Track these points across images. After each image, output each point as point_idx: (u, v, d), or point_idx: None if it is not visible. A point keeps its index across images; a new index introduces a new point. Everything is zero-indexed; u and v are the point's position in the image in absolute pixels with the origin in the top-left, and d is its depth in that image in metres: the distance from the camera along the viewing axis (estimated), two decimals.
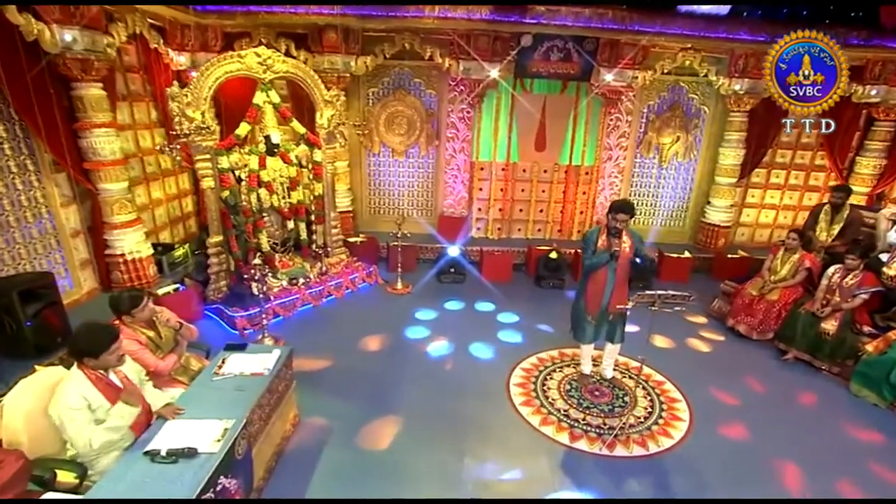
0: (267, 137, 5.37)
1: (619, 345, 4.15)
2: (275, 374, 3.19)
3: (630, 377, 4.41)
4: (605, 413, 3.89)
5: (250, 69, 5.05)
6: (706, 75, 6.70)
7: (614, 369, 4.45)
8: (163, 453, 2.38)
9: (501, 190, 7.58)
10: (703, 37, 6.32)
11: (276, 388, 3.24)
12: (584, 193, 7.56)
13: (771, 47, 4.98)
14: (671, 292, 3.25)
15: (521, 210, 7.69)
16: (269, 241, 5.71)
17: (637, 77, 6.61)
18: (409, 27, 6.25)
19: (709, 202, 7.47)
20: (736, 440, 3.72)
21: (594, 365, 4.44)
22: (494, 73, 6.49)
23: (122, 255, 4.99)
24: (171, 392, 2.95)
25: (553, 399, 4.06)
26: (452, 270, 6.53)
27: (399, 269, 6.31)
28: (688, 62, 6.60)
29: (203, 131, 4.77)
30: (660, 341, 5.18)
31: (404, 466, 3.30)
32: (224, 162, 5.04)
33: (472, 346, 4.91)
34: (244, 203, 5.29)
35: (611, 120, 7.16)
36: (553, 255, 6.47)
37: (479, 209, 7.69)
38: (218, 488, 2.39)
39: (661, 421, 3.86)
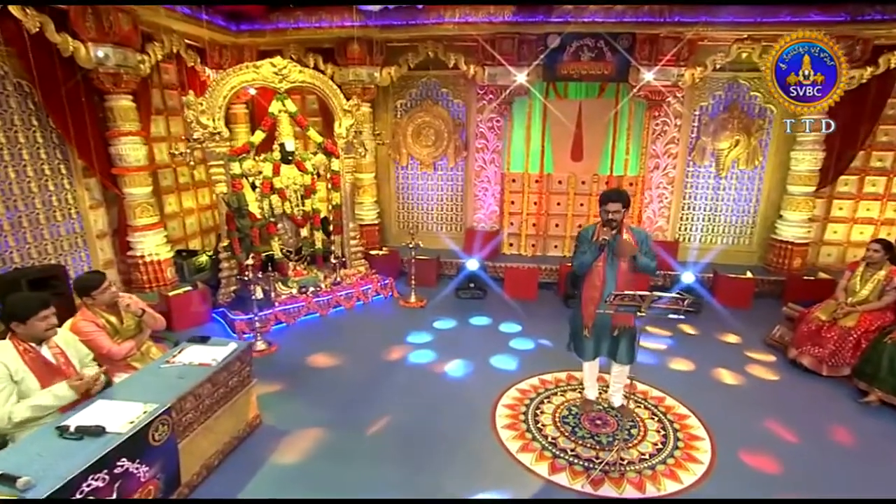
0: (281, 145, 5.62)
1: (628, 366, 3.62)
2: (222, 366, 3.17)
3: (646, 407, 3.83)
4: (601, 445, 3.38)
5: (265, 79, 5.36)
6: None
7: (627, 396, 3.89)
8: (72, 429, 2.40)
9: (535, 203, 7.25)
10: (760, 23, 5.69)
11: (225, 382, 3.21)
12: None
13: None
14: (657, 294, 2.76)
15: (557, 225, 7.28)
16: (282, 249, 5.89)
17: (683, 75, 6.09)
18: (431, 35, 6.34)
19: (780, 216, 6.54)
20: (769, 496, 3.01)
21: (602, 391, 3.92)
22: (521, 77, 6.32)
23: (142, 256, 5.40)
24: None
25: (543, 425, 3.62)
26: (472, 286, 6.28)
27: (413, 283, 6.19)
28: (745, 55, 5.97)
29: (216, 137, 5.09)
30: (692, 369, 4.50)
31: (349, 480, 3.08)
32: (236, 168, 5.33)
33: (471, 362, 4.60)
34: (258, 208, 5.53)
35: (656, 124, 6.63)
36: None
37: (512, 224, 7.41)
38: (117, 470, 2.35)
39: (670, 460, 3.26)
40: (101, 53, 4.68)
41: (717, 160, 6.69)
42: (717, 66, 6.11)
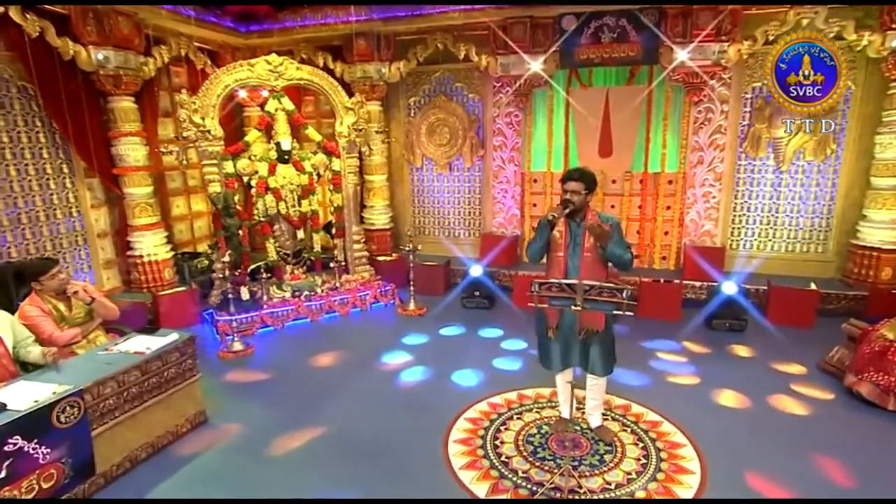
0: (277, 144, 5.90)
1: (603, 379, 3.33)
2: (154, 355, 3.33)
3: (633, 431, 3.48)
4: (561, 469, 3.10)
5: (260, 77, 5.68)
6: (840, 35, 5.33)
7: (611, 416, 3.56)
8: None
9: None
10: None
11: (158, 372, 3.36)
12: (667, 208, 6.53)
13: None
14: (588, 283, 2.50)
15: None
16: (279, 251, 6.14)
17: (726, 52, 5.65)
18: (439, 26, 6.42)
19: (863, 216, 5.77)
20: None
21: (579, 408, 3.62)
22: (536, 65, 6.19)
23: (141, 256, 5.85)
24: None
25: (502, 442, 3.40)
26: (476, 294, 6.13)
27: (412, 290, 6.16)
28: (805, 21, 5.40)
29: (207, 136, 5.45)
30: (706, 392, 4.05)
31: (272, 484, 3.08)
32: (229, 167, 5.67)
33: (447, 373, 4.48)
34: (252, 207, 5.84)
35: (699, 112, 6.17)
36: None
37: (534, 228, 7.17)
38: (7, 448, 2.52)
39: (641, 493, 2.91)
40: (101, 56, 5.23)
41: (777, 151, 6.07)
42: (771, 39, 5.59)
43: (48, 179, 5.27)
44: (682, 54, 5.70)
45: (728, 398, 4.00)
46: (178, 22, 6.00)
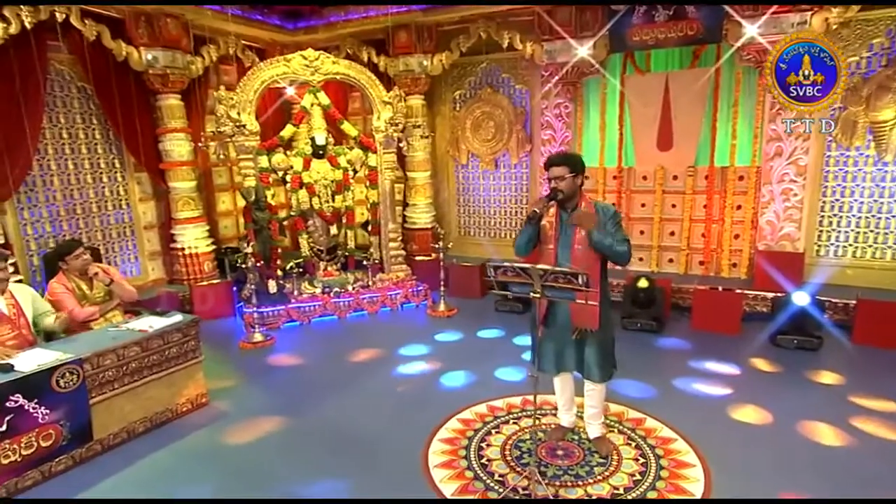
0: (312, 139, 6.35)
1: (601, 385, 3.25)
2: (155, 334, 3.75)
3: (637, 446, 3.35)
4: (546, 479, 3.07)
5: (296, 72, 6.16)
6: None
7: (618, 429, 3.45)
8: None
9: (613, 204, 6.78)
10: None
11: (159, 350, 3.79)
12: (738, 208, 6.14)
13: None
14: (542, 268, 2.48)
15: (641, 232, 6.71)
16: (312, 247, 6.57)
17: (808, 22, 5.26)
18: (480, 13, 6.56)
19: None
20: None
21: (579, 416, 3.54)
22: (583, 50, 6.15)
23: (183, 248, 6.53)
24: None
25: (488, 445, 3.43)
26: (509, 297, 6.12)
27: (443, 290, 6.29)
28: None
29: (243, 131, 6.00)
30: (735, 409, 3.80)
31: (240, 469, 3.36)
32: (264, 161, 6.18)
33: (456, 374, 4.56)
34: (284, 200, 6.33)
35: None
36: (642, 283, 5.40)
37: None
38: (9, 404, 2.99)
39: None
40: (150, 56, 5.96)
41: (879, 138, 5.49)
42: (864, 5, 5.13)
43: (101, 173, 6.08)
44: (751, 29, 5.39)
45: (754, 416, 3.74)
46: (224, 21, 6.67)
